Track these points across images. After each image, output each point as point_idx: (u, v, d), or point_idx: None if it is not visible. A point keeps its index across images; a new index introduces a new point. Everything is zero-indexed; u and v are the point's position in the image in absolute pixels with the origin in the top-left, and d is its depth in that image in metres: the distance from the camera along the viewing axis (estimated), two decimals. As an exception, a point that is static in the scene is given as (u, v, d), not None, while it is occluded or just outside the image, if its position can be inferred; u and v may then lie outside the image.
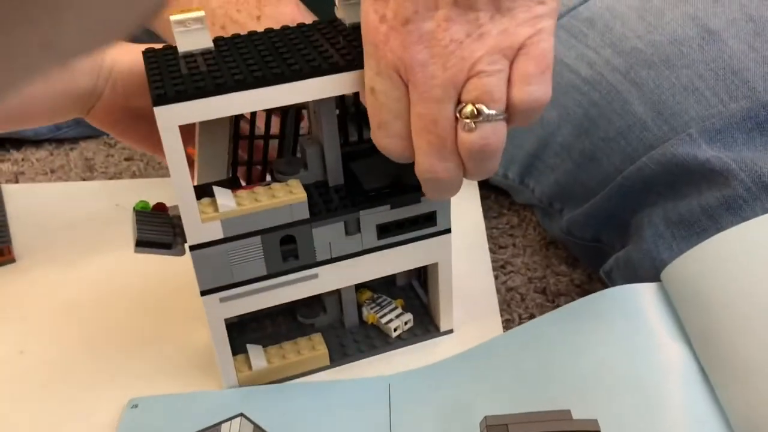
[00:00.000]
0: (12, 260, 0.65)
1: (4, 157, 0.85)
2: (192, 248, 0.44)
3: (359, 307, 0.55)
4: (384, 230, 0.48)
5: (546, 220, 0.64)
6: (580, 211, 0.57)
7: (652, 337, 0.44)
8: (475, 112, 0.39)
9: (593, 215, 0.56)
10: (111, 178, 0.80)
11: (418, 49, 0.38)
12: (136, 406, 0.50)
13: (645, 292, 0.46)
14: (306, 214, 0.46)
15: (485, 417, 0.41)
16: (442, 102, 0.39)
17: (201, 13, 0.44)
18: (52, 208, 0.74)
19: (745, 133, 0.46)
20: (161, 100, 0.40)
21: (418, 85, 0.39)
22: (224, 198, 0.44)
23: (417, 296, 0.57)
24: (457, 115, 0.39)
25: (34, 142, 0.86)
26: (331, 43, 0.44)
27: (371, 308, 0.55)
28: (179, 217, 0.47)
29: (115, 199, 0.73)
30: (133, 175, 0.80)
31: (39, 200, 0.75)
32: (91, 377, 0.54)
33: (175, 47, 0.44)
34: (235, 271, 0.46)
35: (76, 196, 0.76)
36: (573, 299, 0.59)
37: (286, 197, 0.45)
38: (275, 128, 0.54)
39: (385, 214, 0.48)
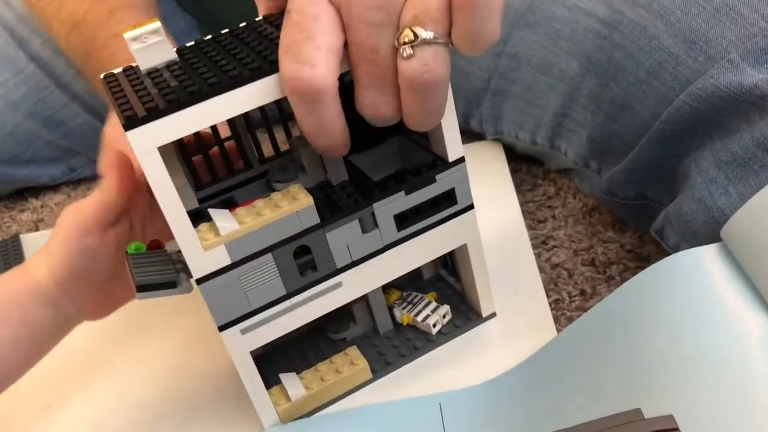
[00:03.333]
0: None
1: (24, 207, 0.82)
2: (199, 281, 0.40)
3: (390, 309, 0.50)
4: (403, 220, 0.44)
5: (585, 183, 0.60)
6: (619, 168, 0.52)
7: (724, 308, 0.38)
8: (413, 37, 0.34)
9: (634, 170, 0.51)
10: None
11: None
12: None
13: (706, 257, 0.40)
14: (316, 219, 0.41)
15: None
16: (381, 27, 0.35)
17: (156, 24, 0.40)
18: None
19: None
20: (132, 122, 0.35)
21: (355, 7, 0.35)
22: (223, 219, 0.40)
23: (448, 285, 0.52)
24: (395, 43, 0.35)
25: (51, 187, 0.85)
26: None
27: (403, 308, 0.50)
28: (179, 252, 0.43)
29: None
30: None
31: None
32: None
33: (135, 67, 0.40)
34: (251, 297, 0.41)
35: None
36: (626, 267, 0.55)
37: (290, 205, 0.40)
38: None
39: (400, 201, 0.43)
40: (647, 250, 0.56)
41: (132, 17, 0.62)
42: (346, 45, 0.36)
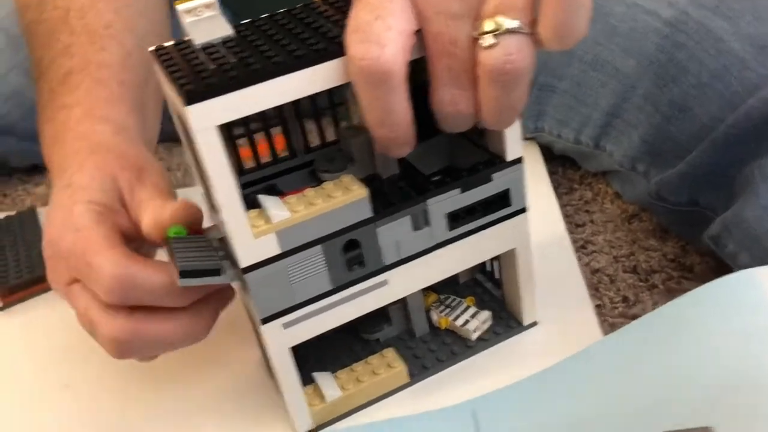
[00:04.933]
0: (49, 288, 0.60)
1: (39, 181, 0.79)
2: (246, 270, 0.38)
3: (426, 312, 0.48)
4: (455, 219, 0.42)
5: (627, 187, 0.58)
6: (673, 171, 0.51)
7: None
8: (495, 26, 0.32)
9: (689, 174, 0.50)
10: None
11: None
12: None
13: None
14: (368, 213, 0.39)
15: None
16: (460, 18, 0.33)
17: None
18: None
19: None
20: (194, 97, 0.33)
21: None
22: (275, 206, 0.38)
23: (486, 290, 0.51)
24: (474, 33, 0.33)
25: None
26: None
27: (441, 311, 0.48)
28: (219, 239, 0.41)
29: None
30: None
31: None
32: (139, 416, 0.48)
33: (187, 41, 0.38)
34: (296, 290, 0.39)
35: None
36: (669, 276, 0.53)
37: (344, 196, 0.39)
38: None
39: (455, 199, 0.41)
40: (690, 260, 0.54)
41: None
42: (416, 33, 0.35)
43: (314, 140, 0.46)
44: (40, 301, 0.60)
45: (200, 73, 0.34)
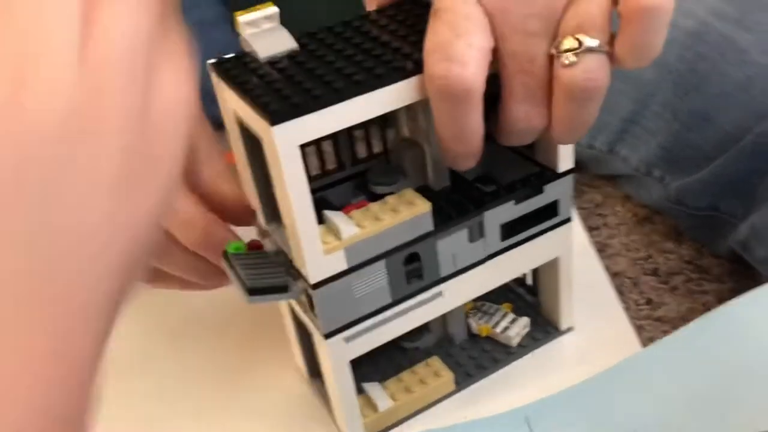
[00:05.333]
0: None
1: None
2: (315, 286, 0.38)
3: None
4: (508, 229, 0.43)
5: (642, 191, 0.60)
6: (695, 178, 0.53)
7: None
8: (576, 44, 0.33)
9: (712, 181, 0.52)
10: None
11: None
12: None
13: None
14: (430, 227, 0.40)
15: None
16: (539, 36, 0.34)
17: (273, 9, 0.38)
18: None
19: None
20: (279, 117, 0.33)
21: (512, 15, 0.33)
22: (343, 222, 0.38)
23: (518, 296, 0.52)
24: (553, 51, 0.34)
25: None
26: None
27: (479, 318, 0.49)
28: (278, 253, 0.40)
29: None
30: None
31: None
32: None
33: (249, 53, 0.38)
34: (359, 304, 0.40)
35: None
36: (688, 278, 0.55)
37: (408, 210, 0.39)
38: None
39: (510, 211, 0.42)
40: (707, 262, 0.56)
41: None
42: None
43: (360, 151, 0.46)
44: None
45: (279, 92, 0.34)
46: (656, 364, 0.43)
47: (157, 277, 0.45)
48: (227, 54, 0.79)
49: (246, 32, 0.38)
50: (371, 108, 0.35)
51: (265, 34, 0.38)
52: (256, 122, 0.35)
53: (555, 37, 0.34)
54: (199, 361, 0.52)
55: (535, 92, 0.35)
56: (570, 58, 0.33)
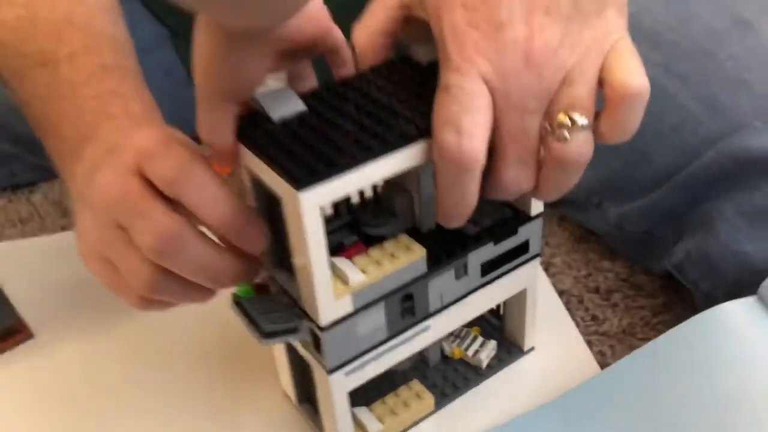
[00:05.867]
0: (30, 336, 0.61)
1: None
2: (324, 328, 0.41)
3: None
4: (488, 267, 0.47)
5: (579, 213, 0.65)
6: (634, 206, 0.59)
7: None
8: (569, 122, 0.38)
9: (648, 210, 0.58)
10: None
11: (514, 58, 0.37)
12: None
13: (751, 311, 0.47)
14: (424, 269, 0.44)
15: None
16: (534, 113, 0.38)
17: (282, 74, 0.41)
18: (49, 266, 0.67)
19: None
20: (304, 184, 0.36)
21: (513, 95, 0.38)
22: (350, 270, 0.41)
23: (486, 320, 0.56)
24: (547, 126, 0.39)
25: None
26: (421, 90, 0.42)
27: (452, 342, 0.54)
28: (282, 293, 0.44)
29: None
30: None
31: (29, 259, 0.69)
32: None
33: (264, 115, 0.40)
34: (360, 341, 0.43)
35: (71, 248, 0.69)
36: (626, 294, 0.61)
37: (407, 257, 0.43)
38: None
39: (489, 250, 0.47)
40: (640, 279, 0.63)
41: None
42: None
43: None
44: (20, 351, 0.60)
45: (299, 157, 0.37)
46: (618, 383, 0.49)
47: (152, 302, 0.46)
48: (170, 75, 0.79)
49: (258, 92, 0.40)
50: (382, 171, 0.38)
51: (275, 96, 0.41)
52: (277, 184, 0.38)
53: (547, 114, 0.38)
54: (187, 388, 0.55)
55: (527, 160, 0.39)
56: (564, 134, 0.38)
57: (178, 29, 0.79)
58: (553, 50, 0.37)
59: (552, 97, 0.38)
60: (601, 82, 0.38)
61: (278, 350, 0.50)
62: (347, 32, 0.47)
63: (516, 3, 0.37)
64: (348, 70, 0.48)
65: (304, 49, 0.46)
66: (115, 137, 0.47)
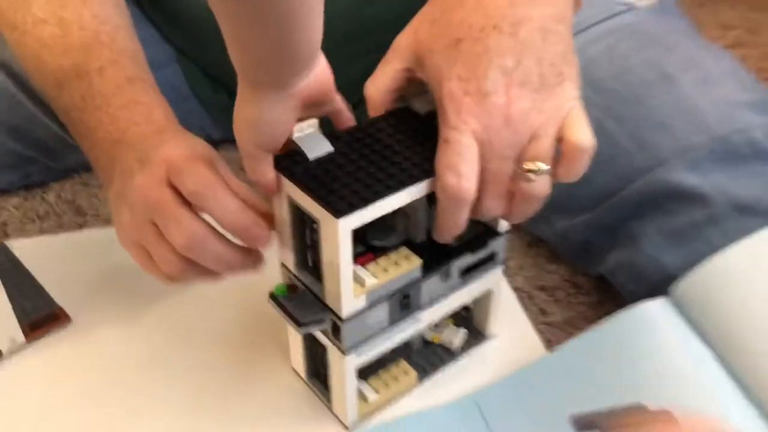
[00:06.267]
0: (68, 321, 0.70)
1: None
2: (345, 320, 0.54)
3: (418, 330, 0.66)
4: (465, 272, 0.60)
5: (533, 225, 0.79)
6: (576, 221, 0.72)
7: (686, 344, 0.60)
8: (535, 168, 0.51)
9: (588, 224, 0.72)
10: (106, 220, 0.84)
11: (497, 119, 0.50)
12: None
13: (663, 309, 0.62)
14: (419, 274, 0.56)
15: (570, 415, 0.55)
16: (510, 159, 0.51)
17: (314, 120, 0.53)
18: (77, 260, 0.77)
19: (712, 163, 0.63)
20: (341, 213, 0.48)
21: (495, 146, 0.50)
22: (366, 275, 0.54)
23: (457, 312, 0.69)
24: (519, 170, 0.52)
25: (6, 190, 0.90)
26: (422, 136, 0.54)
27: (432, 329, 0.67)
28: (305, 291, 0.56)
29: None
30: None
31: (57, 254, 0.79)
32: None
33: (301, 153, 0.52)
34: (368, 329, 0.56)
35: (96, 244, 0.80)
36: (568, 292, 0.75)
37: (407, 265, 0.55)
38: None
39: (467, 259, 0.59)
40: (579, 280, 0.77)
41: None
42: None
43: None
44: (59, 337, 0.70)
45: (335, 190, 0.49)
46: (561, 362, 0.62)
47: (177, 281, 0.58)
48: (177, 90, 0.91)
49: (294, 135, 0.52)
50: (397, 202, 0.51)
51: (309, 138, 0.52)
52: (316, 210, 0.50)
53: (518, 160, 0.51)
54: (209, 365, 0.66)
55: (502, 194, 0.52)
56: (532, 177, 0.51)
57: (189, 52, 0.90)
58: (525, 114, 0.50)
59: (522, 149, 0.51)
60: (559, 139, 0.51)
61: (292, 334, 0.62)
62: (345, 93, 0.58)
63: (498, 77, 0.50)
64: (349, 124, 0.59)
65: (319, 102, 0.57)
66: (143, 145, 0.59)
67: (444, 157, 0.51)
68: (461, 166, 0.50)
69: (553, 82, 0.51)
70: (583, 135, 0.51)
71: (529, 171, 0.51)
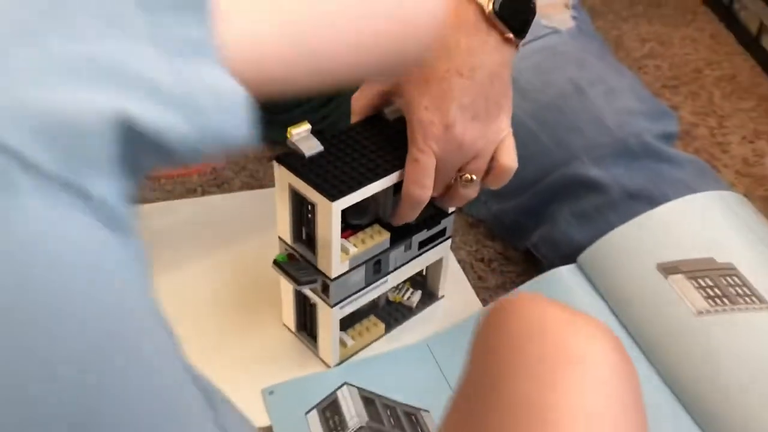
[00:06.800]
0: None
1: None
2: (333, 279, 0.70)
3: (383, 292, 0.83)
4: (422, 244, 0.77)
5: (473, 208, 0.96)
6: (508, 204, 0.90)
7: (588, 299, 0.78)
8: (470, 179, 0.69)
9: (519, 207, 0.89)
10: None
11: (453, 144, 0.67)
12: (272, 392, 0.75)
13: (572, 273, 0.80)
14: (388, 245, 0.73)
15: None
16: (454, 170, 0.69)
17: (307, 125, 0.69)
18: None
19: (612, 159, 0.82)
20: (334, 197, 0.64)
21: (448, 164, 0.68)
22: (349, 246, 0.70)
23: (414, 276, 0.86)
24: (459, 178, 0.69)
25: None
26: (393, 136, 0.71)
27: (394, 291, 0.83)
28: (301, 259, 0.72)
29: (149, 223, 0.90)
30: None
31: None
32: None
33: (293, 151, 0.68)
34: (349, 287, 0.72)
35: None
36: (501, 263, 0.93)
37: (379, 237, 0.72)
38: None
39: (424, 233, 0.76)
40: (510, 254, 0.95)
41: None
42: None
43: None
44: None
45: (328, 179, 0.65)
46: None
47: None
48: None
49: (293, 137, 0.68)
50: (375, 188, 0.67)
51: (304, 139, 0.68)
52: (314, 195, 0.66)
53: (460, 171, 0.68)
54: (205, 320, 0.82)
55: (444, 192, 0.70)
56: (467, 185, 0.68)
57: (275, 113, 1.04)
58: (474, 141, 0.67)
59: (464, 164, 0.68)
60: (492, 158, 0.68)
61: (285, 295, 0.78)
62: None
63: (457, 110, 0.66)
64: None
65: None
66: None
67: (412, 174, 0.67)
68: (425, 181, 0.67)
69: (494, 114, 0.68)
70: (510, 159, 0.69)
71: (466, 180, 0.68)
